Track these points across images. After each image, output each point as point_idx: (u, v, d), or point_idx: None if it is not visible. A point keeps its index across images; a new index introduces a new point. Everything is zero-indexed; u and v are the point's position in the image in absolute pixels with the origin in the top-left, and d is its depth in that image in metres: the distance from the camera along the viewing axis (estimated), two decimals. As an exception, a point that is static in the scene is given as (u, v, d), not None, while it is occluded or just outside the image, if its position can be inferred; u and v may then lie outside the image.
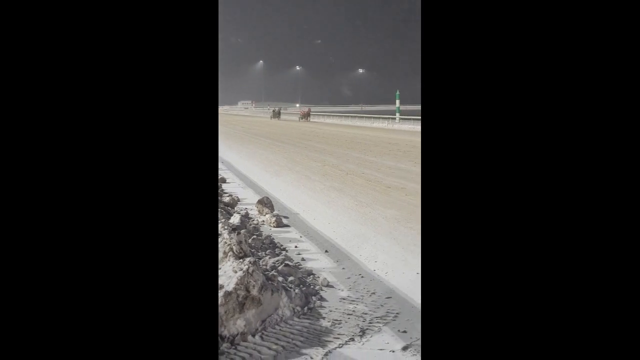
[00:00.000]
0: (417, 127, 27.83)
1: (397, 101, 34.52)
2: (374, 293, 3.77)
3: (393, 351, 2.86)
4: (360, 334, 3.08)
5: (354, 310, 3.44)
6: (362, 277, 4.15)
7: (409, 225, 5.81)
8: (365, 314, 3.38)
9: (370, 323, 3.23)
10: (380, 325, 3.20)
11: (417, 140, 18.76)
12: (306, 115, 42.17)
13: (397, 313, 3.39)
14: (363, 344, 2.96)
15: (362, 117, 37.03)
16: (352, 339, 3.01)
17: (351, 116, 38.54)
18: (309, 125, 32.09)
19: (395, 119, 31.99)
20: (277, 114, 46.15)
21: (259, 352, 2.83)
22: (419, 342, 2.96)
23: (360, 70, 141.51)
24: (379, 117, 34.16)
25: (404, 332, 3.10)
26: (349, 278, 4.13)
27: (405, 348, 2.89)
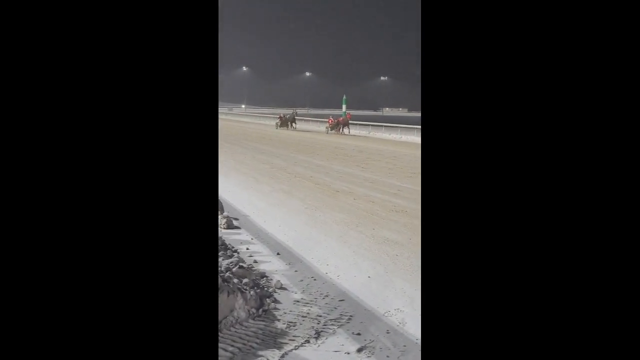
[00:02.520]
0: (363, 132, 28.24)
1: (344, 106, 34.85)
2: (327, 296, 3.82)
3: (348, 353, 2.92)
4: (316, 336, 3.12)
5: (308, 313, 3.48)
6: (315, 279, 4.20)
7: (359, 229, 5.91)
8: (320, 316, 3.43)
9: (324, 325, 3.28)
10: (335, 327, 3.26)
11: (363, 144, 19.06)
12: (342, 125, 27.02)
13: (350, 315, 3.45)
14: (319, 345, 3.00)
15: (309, 120, 37.11)
16: (308, 341, 3.04)
17: (298, 119, 38.20)
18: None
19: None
20: (286, 122, 30.43)
21: (215, 354, 2.82)
22: (373, 344, 3.03)
23: (307, 74, 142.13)
24: (325, 121, 34.24)
25: (358, 334, 3.16)
26: (301, 281, 4.16)
27: (360, 350, 2.95)
